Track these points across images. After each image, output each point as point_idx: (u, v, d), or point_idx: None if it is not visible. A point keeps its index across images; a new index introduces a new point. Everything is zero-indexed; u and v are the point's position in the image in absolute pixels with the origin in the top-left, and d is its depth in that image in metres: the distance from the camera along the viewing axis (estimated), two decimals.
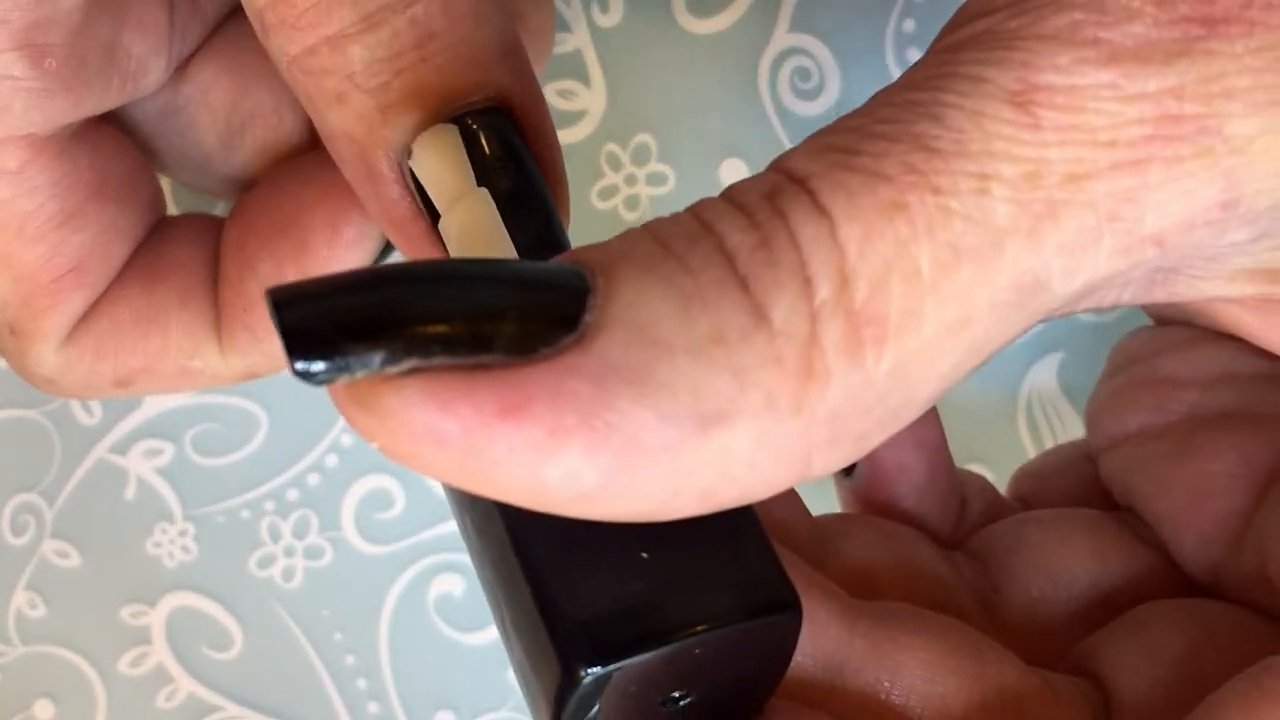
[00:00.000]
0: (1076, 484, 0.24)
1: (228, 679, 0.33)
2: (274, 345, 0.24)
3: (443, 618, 0.33)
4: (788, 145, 0.30)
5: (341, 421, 0.32)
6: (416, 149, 0.20)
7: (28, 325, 0.23)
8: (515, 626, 0.16)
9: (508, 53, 0.20)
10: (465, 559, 0.33)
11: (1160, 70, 0.15)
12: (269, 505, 0.32)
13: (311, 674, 0.33)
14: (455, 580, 0.33)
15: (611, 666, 0.15)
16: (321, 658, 0.33)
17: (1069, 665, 0.20)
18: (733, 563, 0.16)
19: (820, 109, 0.30)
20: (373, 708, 0.33)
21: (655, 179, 0.31)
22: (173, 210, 0.26)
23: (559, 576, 0.15)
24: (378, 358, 0.14)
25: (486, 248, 0.19)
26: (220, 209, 0.27)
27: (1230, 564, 0.20)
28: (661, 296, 0.14)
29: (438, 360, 0.14)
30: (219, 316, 0.24)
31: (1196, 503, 0.21)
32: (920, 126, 0.15)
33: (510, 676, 0.33)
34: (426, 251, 0.21)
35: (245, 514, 0.32)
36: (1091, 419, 0.23)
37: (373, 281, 0.14)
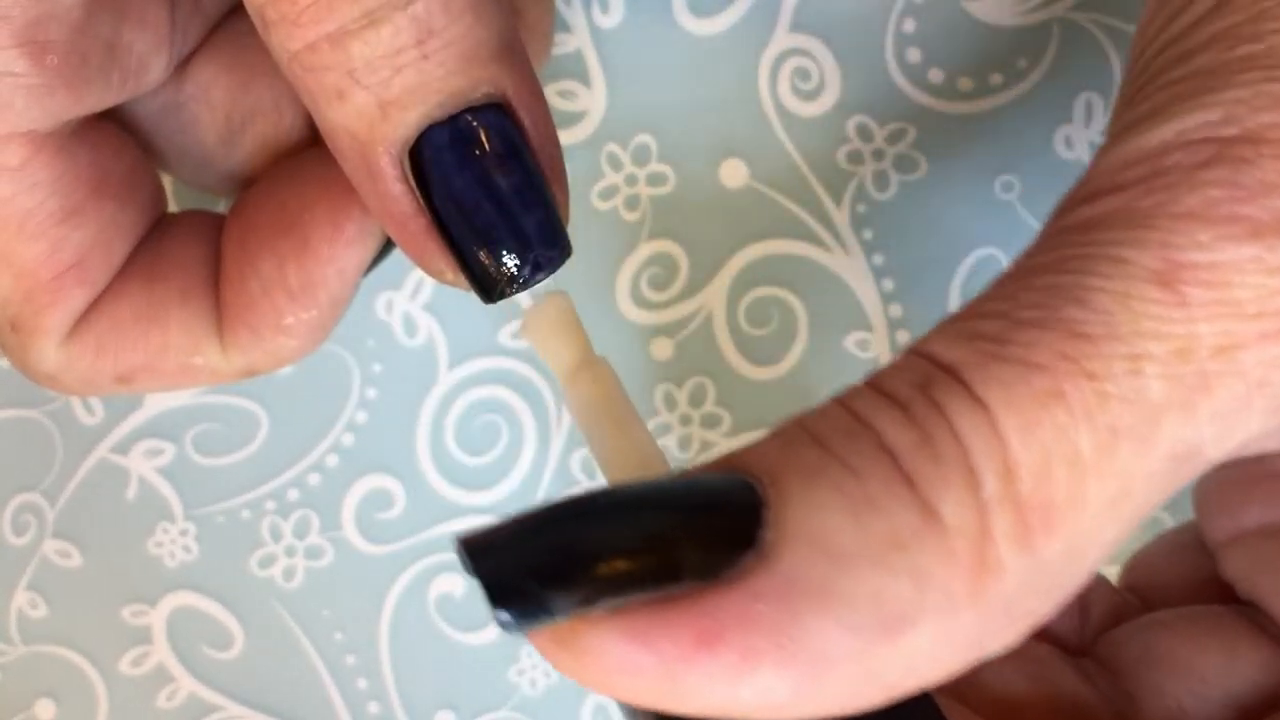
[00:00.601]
0: (1193, 575, 0.24)
1: (228, 679, 0.33)
2: (273, 343, 0.24)
3: (443, 617, 0.33)
4: (788, 145, 0.30)
5: (342, 421, 0.32)
6: (531, 316, 0.20)
7: (29, 322, 0.23)
8: None
9: (508, 49, 0.20)
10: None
11: None
12: (270, 505, 0.32)
13: (312, 674, 0.33)
14: (456, 580, 0.33)
15: None
16: (322, 657, 0.33)
17: None
18: None
19: (820, 109, 0.30)
20: (373, 708, 0.33)
21: (655, 179, 0.31)
22: (172, 208, 0.26)
23: None
24: (574, 601, 0.14)
25: (613, 421, 0.19)
26: (221, 207, 0.27)
27: None
28: (835, 506, 0.15)
29: (632, 597, 0.15)
30: (220, 314, 0.24)
31: None
32: (1067, 311, 0.15)
33: (511, 675, 0.33)
34: (425, 248, 0.21)
35: (246, 514, 0.33)
36: (1204, 511, 0.23)
37: (558, 522, 0.15)
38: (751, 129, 0.30)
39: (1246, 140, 0.15)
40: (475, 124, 0.20)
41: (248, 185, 0.25)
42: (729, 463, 0.16)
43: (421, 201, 0.20)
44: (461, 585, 0.33)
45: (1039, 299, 0.15)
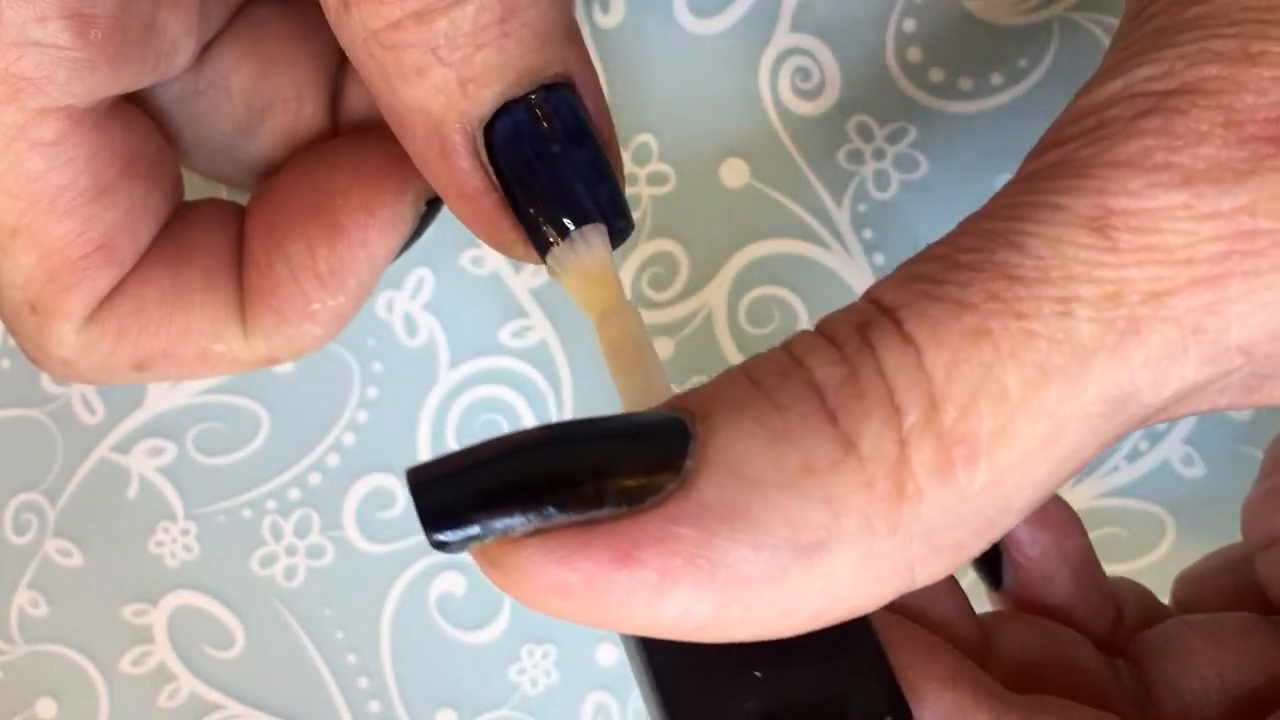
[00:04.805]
0: (1235, 588, 0.24)
1: (229, 678, 0.33)
2: (297, 329, 0.24)
3: (444, 616, 0.33)
4: (788, 145, 0.30)
5: (343, 420, 0.32)
6: (563, 251, 0.21)
7: (50, 303, 0.22)
8: None
9: (574, 30, 0.21)
10: (467, 558, 0.33)
11: (1232, 189, 0.15)
12: (270, 504, 0.33)
13: (313, 673, 0.33)
14: (457, 579, 0.33)
15: None
16: (323, 657, 0.33)
17: None
18: (845, 675, 0.17)
19: (820, 109, 0.30)
20: (374, 706, 0.33)
21: (656, 179, 0.31)
22: None
23: (683, 695, 0.17)
24: (501, 524, 0.16)
25: (637, 361, 0.20)
26: (224, 195, 0.27)
27: None
28: (752, 434, 0.15)
29: (555, 520, 0.15)
30: (244, 299, 0.24)
31: None
32: (1001, 255, 0.16)
33: (512, 674, 0.33)
34: (495, 225, 0.21)
35: (247, 513, 0.33)
36: (1246, 521, 0.24)
37: (494, 455, 0.16)
38: (751, 129, 0.31)
39: (1183, 92, 0.16)
40: (546, 102, 0.21)
41: (263, 175, 0.25)
42: (670, 402, 0.16)
43: (494, 177, 0.21)
44: (463, 584, 0.33)
45: (977, 243, 0.16)
